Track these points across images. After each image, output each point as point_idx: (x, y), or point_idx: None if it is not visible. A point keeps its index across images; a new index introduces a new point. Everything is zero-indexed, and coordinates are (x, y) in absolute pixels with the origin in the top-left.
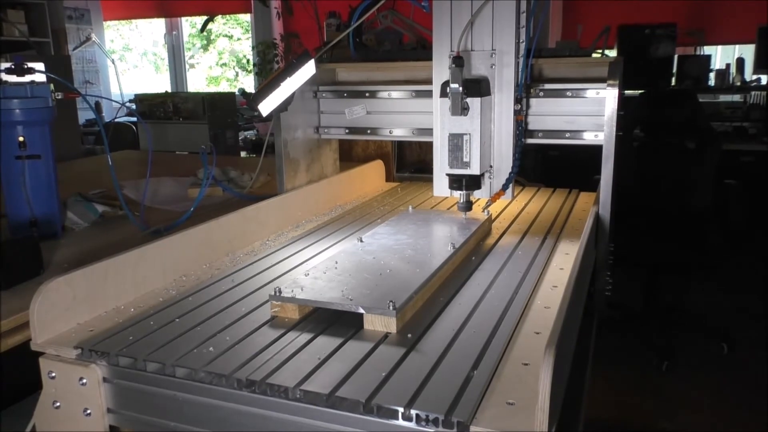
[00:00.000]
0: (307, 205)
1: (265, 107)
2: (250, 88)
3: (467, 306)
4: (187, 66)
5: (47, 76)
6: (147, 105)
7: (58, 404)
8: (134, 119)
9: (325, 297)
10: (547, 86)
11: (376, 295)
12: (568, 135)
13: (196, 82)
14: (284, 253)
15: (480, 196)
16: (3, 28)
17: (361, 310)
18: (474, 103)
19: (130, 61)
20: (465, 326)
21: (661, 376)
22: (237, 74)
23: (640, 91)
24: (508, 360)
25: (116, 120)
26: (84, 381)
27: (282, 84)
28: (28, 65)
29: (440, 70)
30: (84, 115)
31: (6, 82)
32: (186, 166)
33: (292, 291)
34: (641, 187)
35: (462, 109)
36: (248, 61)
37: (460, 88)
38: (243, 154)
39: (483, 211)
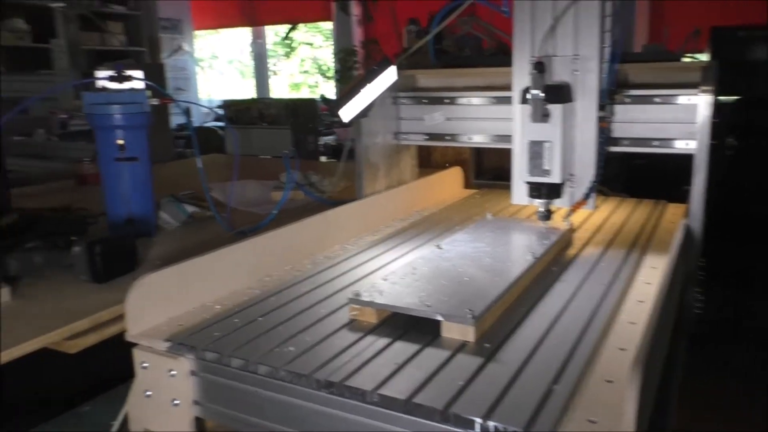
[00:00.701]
0: (385, 211)
1: (347, 113)
2: (331, 94)
3: (548, 317)
4: (270, 73)
5: (145, 83)
6: (233, 110)
7: (149, 393)
8: (221, 124)
9: (403, 302)
10: (634, 92)
11: (454, 303)
12: (656, 143)
13: (279, 89)
14: (363, 258)
15: (560, 205)
16: (104, 38)
17: (439, 317)
18: (555, 109)
19: (218, 69)
20: (545, 338)
21: (754, 395)
22: (318, 81)
23: (734, 98)
24: (590, 375)
25: (204, 125)
26: (173, 372)
27: (363, 91)
28: (127, 73)
29: (520, 75)
30: (175, 120)
31: (108, 88)
32: (269, 169)
33: (371, 295)
34: (733, 196)
35: (542, 116)
36: (329, 68)
37: (541, 95)
38: (323, 158)
39: (563, 220)
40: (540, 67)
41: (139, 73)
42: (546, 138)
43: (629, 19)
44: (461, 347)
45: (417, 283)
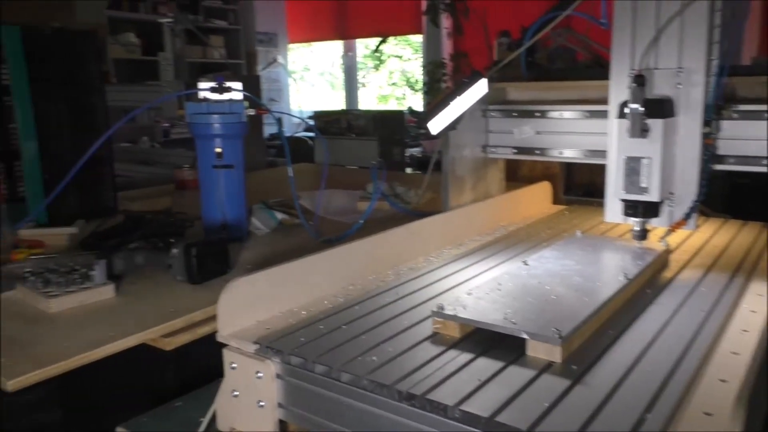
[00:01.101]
0: (471, 224)
1: (435, 126)
2: (418, 106)
3: (640, 342)
4: (359, 85)
5: (243, 94)
6: (323, 121)
7: (236, 393)
8: (311, 134)
9: (488, 318)
10: (743, 107)
11: (540, 321)
12: (765, 162)
13: (367, 101)
14: (447, 270)
15: (657, 224)
16: (206, 51)
17: (525, 335)
18: (656, 124)
19: (309, 81)
20: (638, 364)
21: None
22: (405, 93)
23: None
24: (687, 407)
25: (295, 135)
26: (260, 374)
27: (452, 103)
28: (227, 85)
29: (618, 89)
30: (267, 129)
31: (209, 99)
32: (356, 179)
33: (455, 309)
34: None
35: (641, 131)
36: (417, 80)
37: (641, 109)
38: (409, 170)
39: (660, 241)
40: (640, 81)
41: (237, 85)
42: (644, 154)
43: (739, 30)
44: (547, 367)
45: (502, 299)
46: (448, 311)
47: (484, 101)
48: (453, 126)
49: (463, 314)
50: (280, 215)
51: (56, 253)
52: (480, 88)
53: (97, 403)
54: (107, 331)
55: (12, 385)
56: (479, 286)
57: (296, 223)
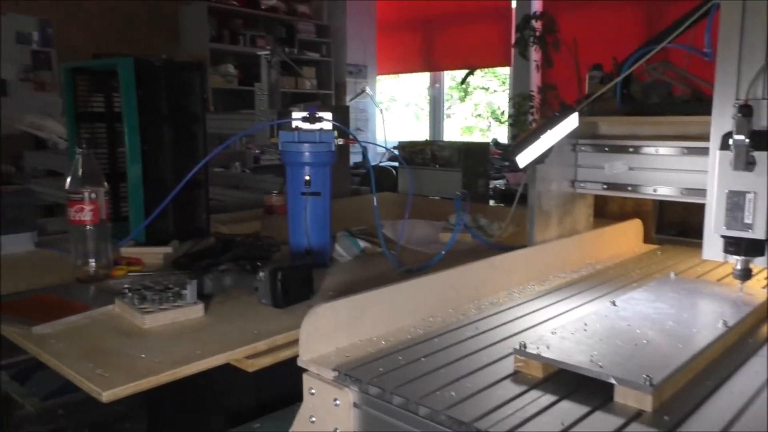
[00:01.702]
0: (556, 260)
1: (523, 159)
2: (503, 138)
3: (741, 396)
4: (444, 116)
5: (333, 125)
6: (408, 151)
7: (313, 419)
8: (395, 164)
9: (573, 359)
10: None
11: (630, 366)
12: None
13: (451, 132)
14: (529, 307)
15: (762, 265)
16: (298, 81)
17: (613, 380)
18: (762, 157)
19: (395, 111)
20: (737, 420)
21: None
22: (490, 125)
23: None
24: None
25: (380, 164)
26: (337, 402)
27: (543, 136)
28: (319, 115)
29: (720, 120)
30: (352, 158)
31: (300, 128)
32: (439, 210)
33: (538, 348)
34: None
35: (747, 164)
36: (503, 112)
37: (746, 140)
38: (492, 202)
39: (765, 287)
40: (746, 111)
41: (328, 115)
42: (749, 188)
43: None
44: (636, 416)
45: (588, 340)
46: (531, 350)
47: (574, 135)
48: (541, 159)
49: (546, 354)
50: (362, 243)
51: (152, 271)
52: (570, 121)
53: (179, 419)
54: (195, 349)
55: (107, 396)
56: (564, 325)
57: (378, 251)
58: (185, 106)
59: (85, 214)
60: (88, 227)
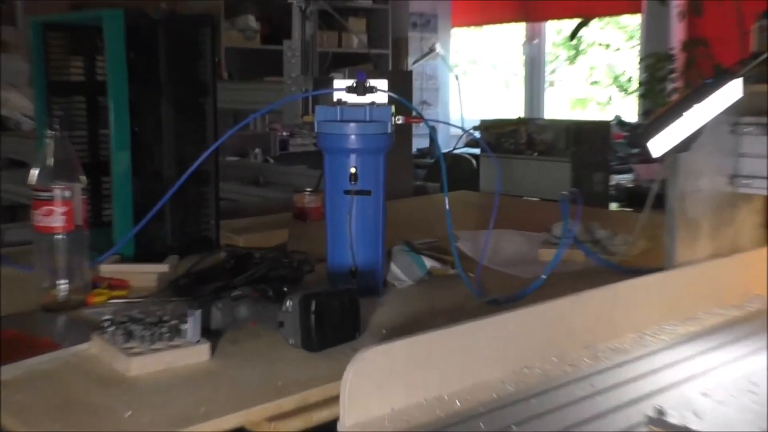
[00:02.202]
0: (707, 290)
1: (658, 145)
2: (630, 115)
3: None
4: (546, 84)
5: (389, 97)
6: (493, 134)
7: None
8: (475, 151)
9: None
10: None
11: None
12: None
13: (556, 106)
14: (669, 357)
15: None
16: (342, 38)
17: None
18: None
19: (476, 78)
20: None
21: None
22: (611, 96)
23: None
24: None
25: (454, 151)
26: None
27: (686, 114)
28: (370, 83)
29: None
30: (415, 143)
31: (344, 102)
32: (537, 216)
33: (683, 416)
34: None
35: None
36: (629, 78)
37: None
38: (614, 205)
39: None
40: None
41: (383, 84)
42: None
43: None
44: None
45: (758, 407)
46: (673, 419)
47: (734, 111)
48: (685, 146)
49: (696, 425)
50: (429, 262)
51: (142, 298)
52: (729, 92)
53: None
54: (198, 406)
55: None
56: (721, 384)
57: (451, 274)
58: (190, 74)
59: (54, 218)
60: (58, 236)
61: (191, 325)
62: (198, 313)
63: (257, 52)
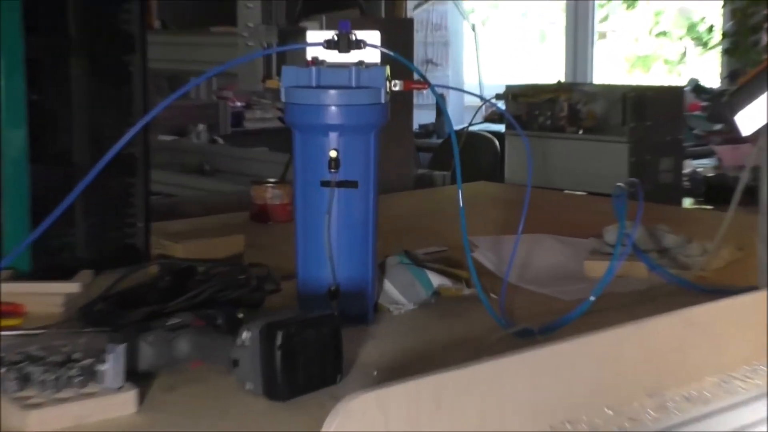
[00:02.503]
0: None
1: (749, 119)
2: (710, 79)
3: None
4: (595, 36)
5: (382, 54)
6: (524, 105)
7: None
8: (498, 128)
9: None
10: None
11: None
12: None
13: (608, 66)
14: (764, 408)
15: None
16: None
17: None
18: None
19: (498, 28)
20: None
21: None
22: (685, 52)
23: None
24: None
25: (469, 128)
26: None
27: None
28: (356, 36)
29: None
30: (418, 117)
31: (322, 61)
32: (582, 216)
33: None
34: None
35: None
36: (710, 28)
37: None
38: (688, 201)
39: None
40: None
41: (374, 36)
42: None
43: None
44: None
45: None
46: None
47: None
48: None
49: None
50: (436, 279)
51: (43, 328)
52: None
53: None
54: None
55: None
56: None
57: (466, 294)
58: (110, 22)
59: None
60: None
61: (111, 366)
62: (121, 349)
63: None
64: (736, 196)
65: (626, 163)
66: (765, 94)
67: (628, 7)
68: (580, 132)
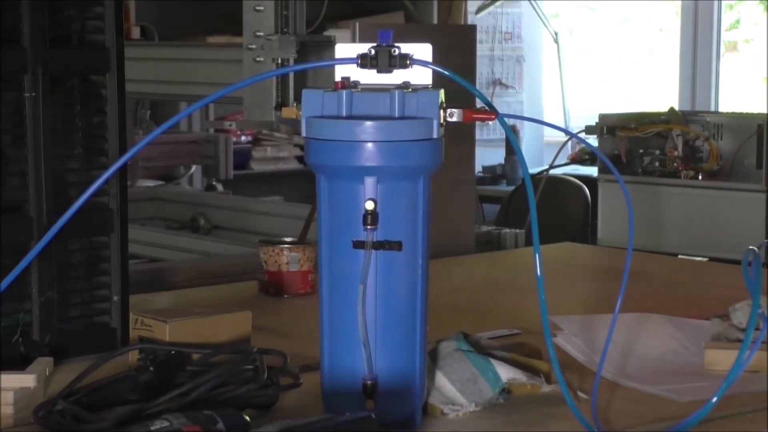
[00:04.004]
0: None
1: None
2: None
3: None
4: (721, 46)
5: (435, 75)
6: (623, 140)
7: None
8: (590, 171)
9: None
10: None
11: None
12: None
13: (741, 87)
14: None
15: None
16: None
17: None
18: None
19: (590, 40)
20: None
21: None
22: None
23: None
24: None
25: (551, 171)
26: None
27: None
28: (400, 50)
29: None
30: (481, 155)
31: (355, 83)
32: (701, 289)
33: None
34: None
35: None
36: None
37: None
38: None
39: None
40: None
41: (425, 51)
42: None
43: None
44: None
45: None
46: None
47: None
48: None
49: None
50: (506, 372)
51: None
52: None
53: None
54: None
55: None
56: None
57: (546, 392)
58: (75, 30)
59: None
60: None
61: None
62: None
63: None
64: None
65: (763, 219)
66: None
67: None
68: (700, 177)
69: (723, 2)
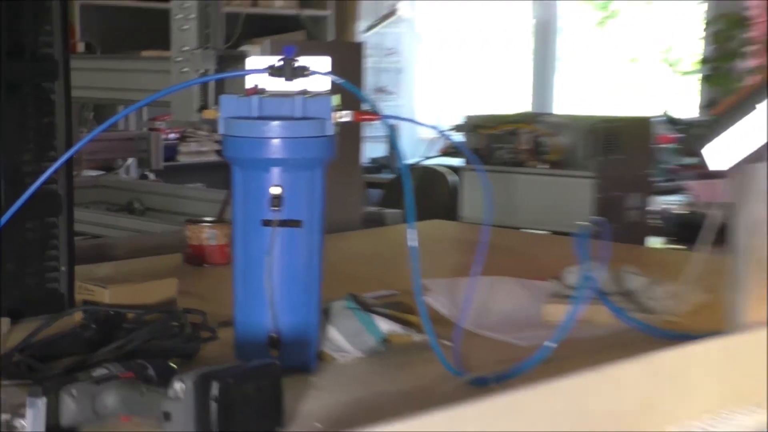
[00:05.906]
0: None
1: (722, 153)
2: (683, 109)
3: None
4: (556, 63)
5: (332, 83)
6: (483, 137)
7: None
8: (455, 162)
9: None
10: None
11: None
12: None
13: (573, 95)
14: None
15: None
16: None
17: None
18: None
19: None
20: None
21: None
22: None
23: None
24: None
25: (422, 162)
26: None
27: (761, 106)
28: (300, 62)
29: None
30: (367, 150)
31: (264, 90)
32: (543, 257)
33: None
34: None
35: None
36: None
37: None
38: (656, 240)
39: None
40: None
41: (323, 63)
42: None
43: None
44: None
45: None
46: None
47: None
48: (762, 155)
49: None
50: (384, 325)
51: None
52: None
53: None
54: None
55: None
56: None
57: (417, 341)
58: (27, 43)
59: None
60: None
61: (31, 421)
62: (42, 402)
63: (130, 11)
64: (706, 235)
65: (591, 199)
66: (734, 128)
67: (598, 26)
68: (546, 167)
69: (558, 23)
